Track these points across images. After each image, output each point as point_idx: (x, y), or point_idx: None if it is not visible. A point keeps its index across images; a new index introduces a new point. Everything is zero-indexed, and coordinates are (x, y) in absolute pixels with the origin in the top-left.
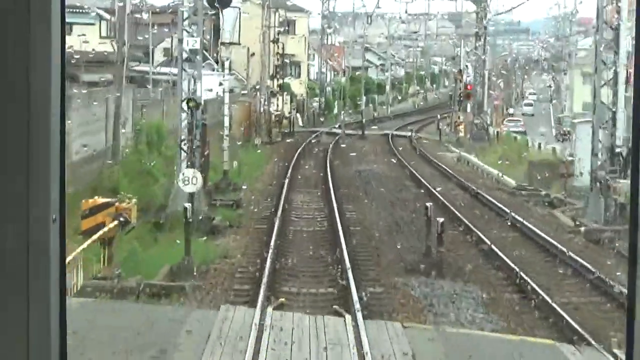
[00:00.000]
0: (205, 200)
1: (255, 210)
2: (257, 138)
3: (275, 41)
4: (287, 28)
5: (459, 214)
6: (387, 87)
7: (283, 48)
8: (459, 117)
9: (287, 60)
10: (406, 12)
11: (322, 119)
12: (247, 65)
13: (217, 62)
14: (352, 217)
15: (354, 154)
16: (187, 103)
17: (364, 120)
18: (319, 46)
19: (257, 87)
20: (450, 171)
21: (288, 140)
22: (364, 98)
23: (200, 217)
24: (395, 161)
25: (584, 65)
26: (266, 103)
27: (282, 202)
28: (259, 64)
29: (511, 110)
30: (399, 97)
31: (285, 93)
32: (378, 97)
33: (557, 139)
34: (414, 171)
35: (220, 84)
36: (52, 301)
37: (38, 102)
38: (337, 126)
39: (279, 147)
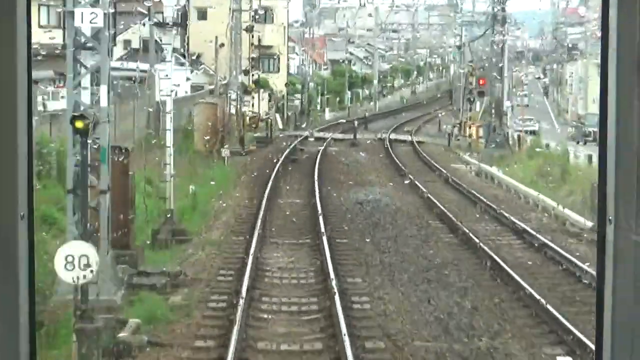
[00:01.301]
0: (118, 279)
1: (203, 292)
2: (225, 149)
3: (249, 29)
4: (264, 13)
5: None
6: (375, 82)
7: (259, 39)
8: (469, 118)
9: (264, 52)
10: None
11: (304, 120)
12: (215, 59)
13: (184, 56)
14: (366, 311)
15: (349, 170)
16: (73, 122)
17: (356, 123)
18: (300, 36)
19: (225, 82)
20: (482, 198)
21: (265, 150)
22: (348, 93)
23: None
24: (403, 182)
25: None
26: (238, 103)
27: (247, 277)
28: (234, 56)
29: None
30: (384, 92)
31: (262, 90)
32: (362, 91)
33: (577, 141)
34: (434, 200)
35: (188, 79)
36: (21, 298)
37: (3, 99)
38: (318, 129)
39: (252, 161)
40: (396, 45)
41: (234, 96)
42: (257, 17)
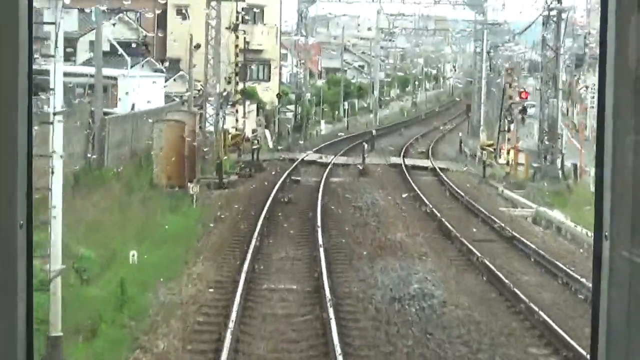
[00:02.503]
0: None
1: None
2: (194, 184)
3: (234, 28)
4: (253, 13)
5: None
6: (376, 93)
7: (245, 40)
8: (507, 140)
9: (252, 57)
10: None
11: (299, 136)
12: (188, 63)
13: (162, 62)
14: None
15: (365, 221)
16: None
17: (366, 147)
18: (293, 42)
19: (200, 93)
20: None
21: (249, 182)
22: (345, 104)
23: None
24: (448, 243)
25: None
26: (217, 118)
27: None
28: (213, 60)
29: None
30: (381, 103)
31: (248, 102)
32: (358, 102)
33: None
34: (520, 293)
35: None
36: (20, 308)
37: (4, 107)
38: (316, 149)
39: (231, 199)
40: (392, 54)
41: (211, 110)
42: (244, 15)
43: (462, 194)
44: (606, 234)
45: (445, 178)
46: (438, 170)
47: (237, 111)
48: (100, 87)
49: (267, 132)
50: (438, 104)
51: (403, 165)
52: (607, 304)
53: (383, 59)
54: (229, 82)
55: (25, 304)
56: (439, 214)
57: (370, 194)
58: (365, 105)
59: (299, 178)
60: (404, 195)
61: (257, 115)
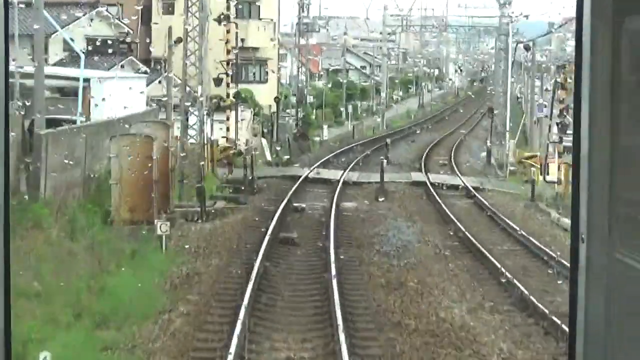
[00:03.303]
0: None
1: None
2: (163, 222)
3: (224, 19)
4: (249, 5)
5: None
6: (383, 94)
7: (237, 36)
8: (556, 153)
9: (248, 56)
10: None
11: (301, 145)
12: (165, 61)
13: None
14: None
15: (398, 283)
16: None
17: (384, 163)
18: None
19: (179, 97)
20: None
21: (239, 213)
22: (349, 107)
23: None
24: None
25: None
26: (202, 127)
27: None
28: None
29: None
30: (377, 105)
31: (242, 108)
32: (361, 104)
33: None
34: None
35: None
36: None
37: None
38: (320, 163)
39: (213, 244)
40: (394, 55)
41: (194, 119)
42: (237, 6)
43: (516, 226)
44: (583, 236)
45: (483, 201)
46: (471, 189)
47: (227, 118)
48: (41, 89)
49: (264, 141)
50: (445, 105)
51: (428, 184)
52: (585, 305)
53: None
54: (217, 84)
55: (3, 310)
56: (501, 266)
57: (397, 229)
58: (368, 107)
59: (303, 205)
60: (442, 232)
61: (253, 122)
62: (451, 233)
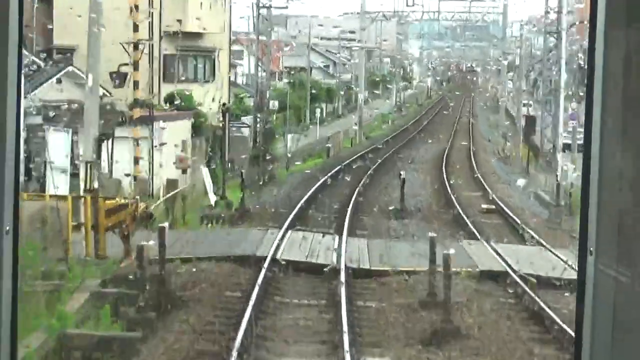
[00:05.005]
0: None
1: None
2: None
3: None
4: None
5: None
6: (361, 96)
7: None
8: None
9: (188, 46)
10: None
11: (261, 173)
12: None
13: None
14: None
15: None
16: None
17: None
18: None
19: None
20: None
21: None
22: (317, 111)
23: None
24: None
25: None
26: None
27: None
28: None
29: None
30: (348, 107)
31: (162, 123)
32: (326, 106)
33: None
34: None
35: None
36: (4, 314)
37: None
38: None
39: None
40: (357, 54)
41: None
42: None
43: None
44: (591, 249)
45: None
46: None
47: (137, 142)
48: None
49: (205, 172)
50: (421, 108)
51: (514, 275)
52: (592, 320)
53: (348, 59)
54: (118, 82)
55: (10, 310)
56: None
57: None
58: (333, 109)
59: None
60: None
61: (194, 136)
62: None
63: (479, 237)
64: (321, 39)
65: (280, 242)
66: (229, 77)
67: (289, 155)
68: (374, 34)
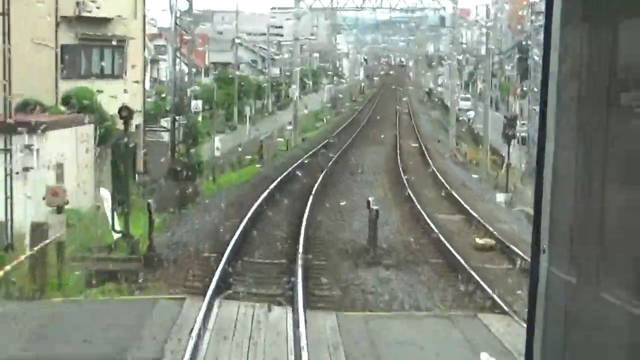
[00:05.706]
0: None
1: None
2: None
3: None
4: None
5: None
6: (296, 93)
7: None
8: None
9: (90, 35)
10: None
11: (181, 193)
12: None
13: None
14: None
15: None
16: None
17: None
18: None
19: None
20: None
21: None
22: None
23: None
24: None
25: None
26: None
27: None
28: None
29: None
30: (278, 104)
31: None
32: (255, 103)
33: None
34: None
35: None
36: None
37: None
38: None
39: None
40: (285, 49)
41: None
42: None
43: None
44: (544, 247)
45: None
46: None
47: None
48: None
49: (106, 197)
50: (356, 103)
51: None
52: (543, 316)
53: (276, 54)
54: None
55: None
56: None
57: None
58: (262, 106)
59: None
60: None
61: (98, 146)
62: None
63: None
64: (249, 34)
65: (202, 329)
66: (144, 73)
67: (218, 161)
68: (305, 28)
